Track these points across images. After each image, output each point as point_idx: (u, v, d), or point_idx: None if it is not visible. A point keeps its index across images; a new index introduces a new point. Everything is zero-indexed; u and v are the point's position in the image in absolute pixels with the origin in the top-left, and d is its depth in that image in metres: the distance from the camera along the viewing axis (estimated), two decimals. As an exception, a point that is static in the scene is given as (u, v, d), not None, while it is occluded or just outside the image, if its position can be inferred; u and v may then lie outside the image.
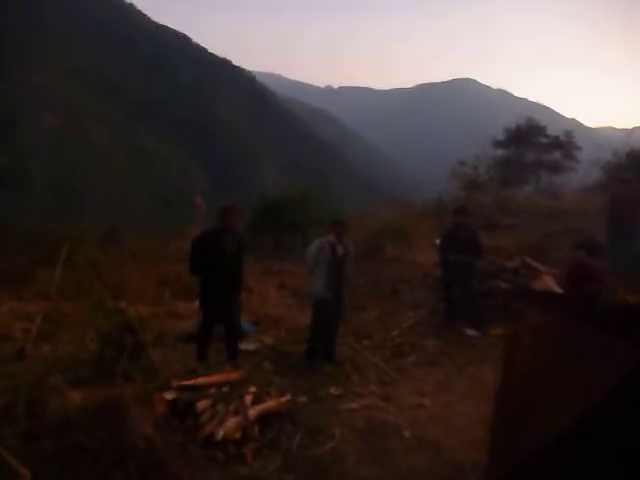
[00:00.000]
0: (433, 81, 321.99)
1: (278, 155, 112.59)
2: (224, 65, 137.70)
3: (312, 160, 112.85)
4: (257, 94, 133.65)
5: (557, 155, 18.73)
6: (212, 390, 4.28)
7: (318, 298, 6.19)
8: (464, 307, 7.65)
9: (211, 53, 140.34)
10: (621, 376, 1.99)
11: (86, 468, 3.29)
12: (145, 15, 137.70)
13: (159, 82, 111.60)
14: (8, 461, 2.94)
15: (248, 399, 4.35)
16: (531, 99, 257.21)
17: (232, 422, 4.05)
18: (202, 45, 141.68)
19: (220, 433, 3.91)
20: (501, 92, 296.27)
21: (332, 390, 5.46)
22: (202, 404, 4.07)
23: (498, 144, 19.59)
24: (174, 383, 4.29)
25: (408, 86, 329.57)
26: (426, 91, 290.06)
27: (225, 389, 4.36)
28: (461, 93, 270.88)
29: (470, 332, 7.29)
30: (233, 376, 4.61)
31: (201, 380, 4.40)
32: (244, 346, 6.41)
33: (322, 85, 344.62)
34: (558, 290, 6.27)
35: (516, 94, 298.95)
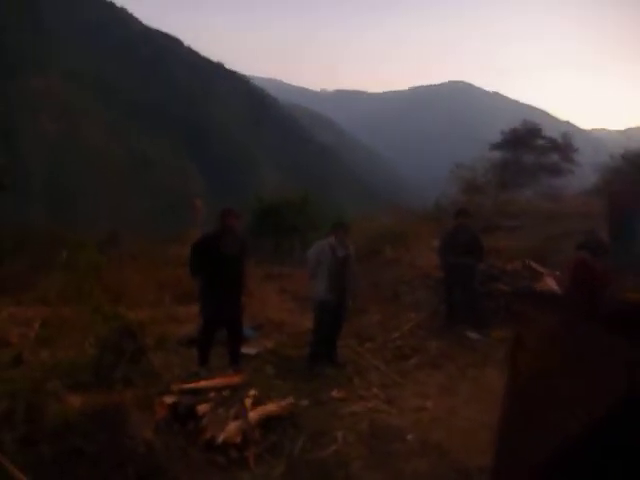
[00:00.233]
0: (427, 84, 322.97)
1: (276, 159, 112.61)
2: (219, 68, 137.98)
3: (311, 164, 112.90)
4: (255, 98, 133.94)
5: (555, 158, 18.72)
6: (213, 394, 4.23)
7: (320, 301, 6.15)
8: (465, 309, 7.62)
9: (205, 57, 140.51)
10: (628, 378, 1.95)
11: (85, 473, 3.24)
12: (138, 19, 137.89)
13: (155, 85, 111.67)
14: (6, 467, 2.89)
15: (249, 403, 4.30)
16: (525, 102, 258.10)
17: (233, 426, 4.00)
18: (195, 49, 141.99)
19: (221, 437, 3.86)
20: (495, 95, 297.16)
21: (334, 393, 5.42)
22: (203, 408, 4.02)
23: (495, 147, 19.57)
24: (175, 387, 4.24)
25: (402, 89, 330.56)
26: (420, 94, 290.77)
27: (226, 393, 4.31)
28: (455, 96, 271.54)
29: (472, 334, 7.24)
30: (234, 380, 4.57)
31: (202, 384, 4.36)
32: (245, 350, 6.36)
33: (318, 89, 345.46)
34: (560, 292, 6.25)
35: (510, 97, 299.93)
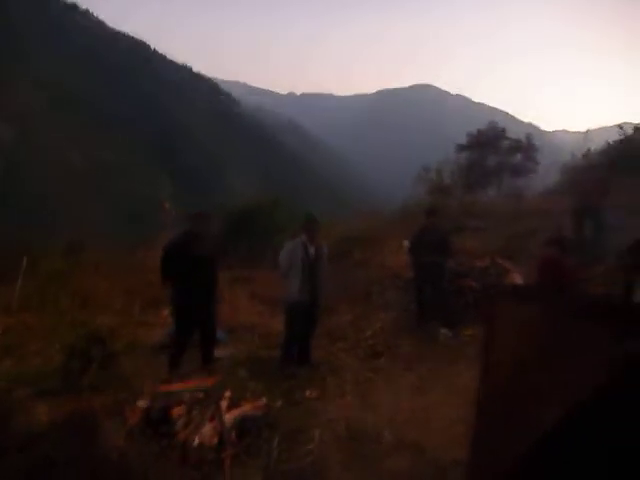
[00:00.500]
0: (394, 87, 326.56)
1: (244, 163, 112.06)
2: (185, 72, 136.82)
3: (278, 168, 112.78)
4: (221, 102, 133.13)
5: (519, 158, 19.07)
6: (187, 396, 4.15)
7: (293, 301, 6.11)
8: (436, 307, 7.69)
9: (171, 60, 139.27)
10: (606, 370, 1.97)
11: (57, 482, 3.14)
12: (102, 22, 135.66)
13: (120, 90, 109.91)
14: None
15: (224, 404, 4.23)
16: (489, 103, 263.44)
17: (208, 428, 3.94)
18: (162, 53, 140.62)
19: (196, 440, 3.80)
20: (459, 97, 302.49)
21: (308, 393, 5.40)
22: (177, 410, 3.95)
23: (462, 148, 19.83)
24: (147, 390, 4.15)
25: (369, 92, 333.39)
26: (387, 97, 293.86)
27: (200, 395, 4.24)
28: (421, 98, 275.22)
29: (443, 332, 7.32)
30: (208, 382, 4.49)
31: (176, 387, 4.27)
32: (218, 353, 6.28)
33: (285, 92, 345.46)
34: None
35: (474, 99, 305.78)
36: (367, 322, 8.02)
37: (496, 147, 19.37)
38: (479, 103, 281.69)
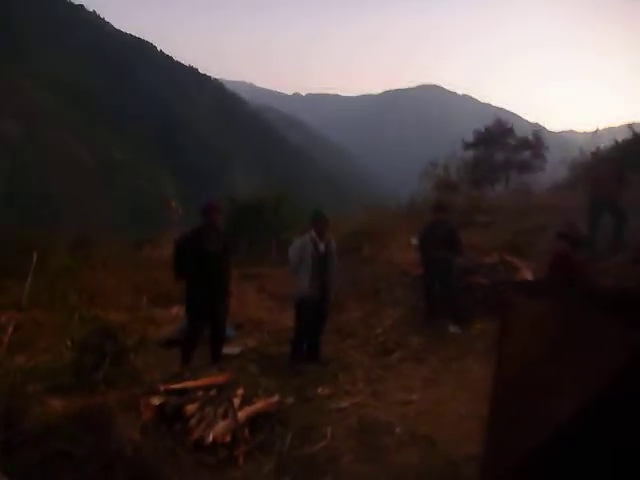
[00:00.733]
0: (400, 87, 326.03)
1: (249, 162, 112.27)
2: (191, 73, 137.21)
3: (283, 166, 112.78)
4: (226, 101, 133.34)
5: (526, 155, 19.06)
6: (200, 393, 4.15)
7: (302, 297, 6.10)
8: (445, 304, 7.66)
9: (178, 61, 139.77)
10: (620, 363, 1.94)
11: (72, 477, 3.13)
12: (109, 23, 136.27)
13: (126, 89, 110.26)
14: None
15: (236, 401, 4.23)
16: (496, 104, 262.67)
17: (221, 425, 3.93)
18: (168, 53, 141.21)
19: (210, 437, 3.79)
20: (466, 98, 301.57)
21: (320, 390, 5.39)
22: (191, 408, 3.94)
23: (469, 145, 19.82)
24: (161, 387, 4.14)
25: (375, 92, 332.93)
26: (393, 97, 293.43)
27: (213, 392, 4.23)
28: (427, 99, 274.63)
29: (452, 328, 7.28)
30: (220, 379, 4.49)
31: (189, 383, 4.27)
32: (228, 350, 6.29)
33: (290, 92, 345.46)
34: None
35: (480, 99, 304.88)
36: (376, 319, 8.00)
37: (503, 144, 19.36)
38: (485, 104, 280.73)
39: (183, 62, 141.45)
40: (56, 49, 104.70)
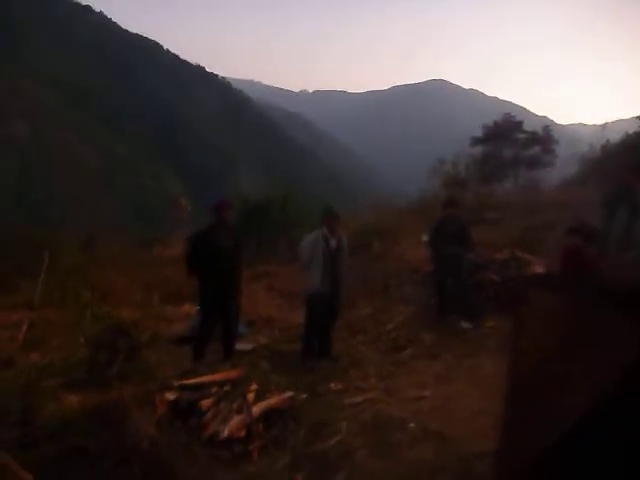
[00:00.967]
0: (407, 83, 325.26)
1: (254, 160, 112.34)
2: (198, 72, 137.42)
3: (289, 164, 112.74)
4: (232, 100, 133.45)
5: (536, 150, 18.94)
6: (214, 389, 4.17)
7: (313, 293, 6.10)
8: (456, 300, 7.63)
9: (184, 60, 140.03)
10: (632, 360, 1.92)
11: (88, 471, 3.16)
12: (116, 23, 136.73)
13: (131, 88, 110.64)
14: (9, 465, 2.80)
15: (250, 397, 4.24)
16: (502, 98, 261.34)
17: (236, 420, 3.94)
18: (174, 52, 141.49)
19: (225, 432, 3.80)
20: (473, 92, 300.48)
21: (332, 386, 5.39)
22: (205, 403, 3.96)
23: (477, 141, 19.72)
24: (175, 382, 4.17)
25: (383, 88, 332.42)
26: (400, 93, 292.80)
27: (227, 387, 4.25)
28: (435, 94, 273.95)
29: (464, 325, 7.25)
30: (234, 374, 4.50)
31: (203, 378, 4.29)
32: (239, 346, 6.30)
33: (297, 90, 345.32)
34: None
35: (487, 93, 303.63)
36: (387, 315, 8.00)
37: (512, 139, 19.24)
38: (492, 97, 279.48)
39: (189, 61, 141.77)
40: (60, 49, 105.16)
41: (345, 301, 7.07)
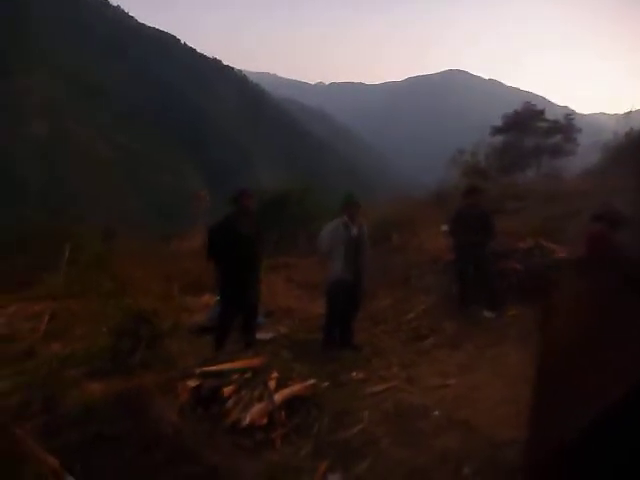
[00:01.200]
0: (424, 74, 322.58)
1: (271, 154, 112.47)
2: (215, 65, 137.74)
3: (306, 158, 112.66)
4: (249, 93, 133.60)
5: (557, 139, 18.64)
6: (235, 376, 4.14)
7: (335, 281, 6.04)
8: (479, 289, 7.51)
9: (201, 53, 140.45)
10: None
11: (112, 458, 3.15)
12: (133, 17, 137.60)
13: (149, 83, 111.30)
14: (36, 451, 2.80)
15: (272, 384, 4.21)
16: (522, 88, 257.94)
17: (258, 408, 3.92)
18: (191, 46, 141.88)
19: (247, 419, 3.78)
20: (492, 82, 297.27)
21: (354, 375, 5.35)
22: (227, 390, 3.94)
23: (497, 131, 19.47)
24: (197, 370, 4.15)
25: (399, 79, 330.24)
26: (418, 84, 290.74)
27: (248, 375, 4.22)
28: (453, 84, 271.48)
29: (487, 314, 7.14)
30: (255, 362, 4.47)
31: (224, 366, 4.27)
32: (260, 336, 6.29)
33: (313, 82, 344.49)
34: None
35: (507, 83, 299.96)
36: (408, 305, 7.92)
37: (533, 128, 18.96)
38: (512, 87, 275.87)
39: (206, 54, 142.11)
40: (78, 43, 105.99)
41: (367, 291, 7.02)
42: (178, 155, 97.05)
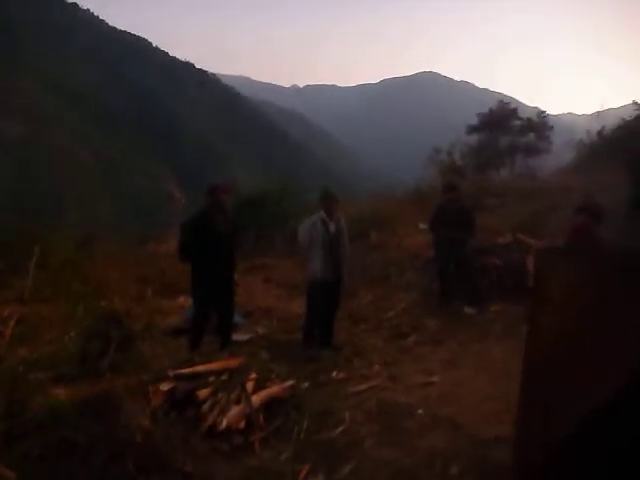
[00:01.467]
0: (398, 75, 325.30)
1: (248, 156, 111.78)
2: (188, 69, 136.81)
3: (284, 160, 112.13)
4: (224, 96, 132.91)
5: (531, 137, 18.85)
6: (211, 378, 3.94)
7: (314, 280, 5.88)
8: (460, 285, 7.44)
9: (173, 57, 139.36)
10: None
11: (78, 466, 2.94)
12: (104, 21, 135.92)
13: (123, 87, 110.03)
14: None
15: (250, 386, 4.02)
16: (492, 89, 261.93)
17: (235, 411, 3.73)
18: (164, 49, 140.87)
19: (224, 423, 3.59)
20: (464, 83, 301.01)
21: (335, 374, 5.20)
22: (203, 393, 3.73)
23: (472, 130, 19.59)
24: (171, 372, 3.94)
25: (373, 82, 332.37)
26: (391, 86, 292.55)
27: (225, 377, 4.02)
28: (426, 86, 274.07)
29: (468, 310, 7.09)
30: (231, 363, 4.28)
31: (200, 368, 4.06)
32: (237, 337, 6.10)
33: (287, 85, 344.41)
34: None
35: (478, 85, 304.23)
36: (389, 303, 7.81)
37: (507, 127, 19.13)
38: (483, 89, 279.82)
39: (179, 57, 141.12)
40: (52, 48, 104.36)
41: (347, 288, 6.87)
42: (155, 158, 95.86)
